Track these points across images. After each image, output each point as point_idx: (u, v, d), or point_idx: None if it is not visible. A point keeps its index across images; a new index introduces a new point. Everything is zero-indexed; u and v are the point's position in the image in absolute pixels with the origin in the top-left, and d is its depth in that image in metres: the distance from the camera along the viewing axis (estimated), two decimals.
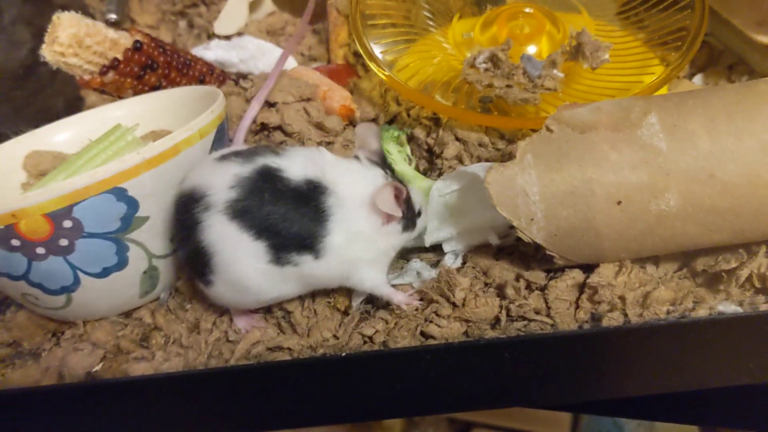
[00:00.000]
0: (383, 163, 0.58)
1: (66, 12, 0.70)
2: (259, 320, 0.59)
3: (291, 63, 0.85)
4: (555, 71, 0.68)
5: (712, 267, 0.56)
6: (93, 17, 0.91)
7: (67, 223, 0.53)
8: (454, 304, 0.54)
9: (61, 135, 0.73)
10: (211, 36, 0.93)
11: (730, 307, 0.54)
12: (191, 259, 0.55)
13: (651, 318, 0.53)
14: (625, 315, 0.54)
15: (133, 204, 0.55)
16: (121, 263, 0.57)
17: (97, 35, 0.70)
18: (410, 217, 0.56)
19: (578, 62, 0.70)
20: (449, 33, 0.78)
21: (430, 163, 0.69)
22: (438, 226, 0.57)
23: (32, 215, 0.52)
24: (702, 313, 0.54)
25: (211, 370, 0.54)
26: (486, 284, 0.56)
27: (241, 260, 0.52)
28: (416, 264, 0.58)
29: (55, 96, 0.89)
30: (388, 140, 0.66)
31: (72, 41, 0.69)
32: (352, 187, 0.54)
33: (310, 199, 0.52)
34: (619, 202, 0.49)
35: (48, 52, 0.69)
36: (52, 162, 0.71)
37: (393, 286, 0.57)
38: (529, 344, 0.52)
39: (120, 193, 0.54)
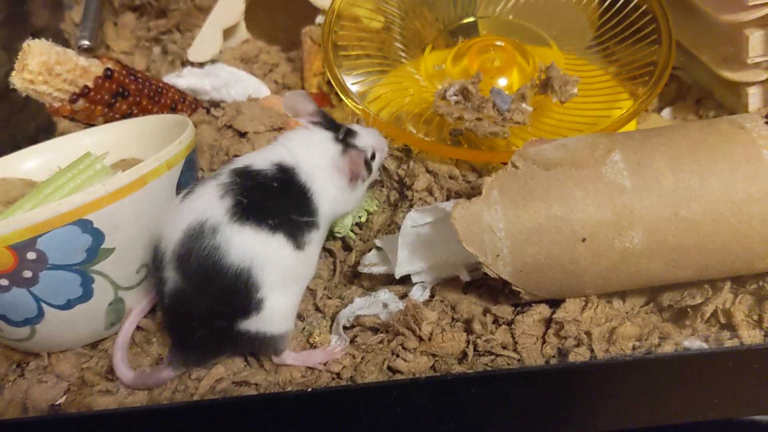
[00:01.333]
0: (326, 119, 0.60)
1: (36, 39, 0.69)
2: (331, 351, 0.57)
3: (264, 91, 0.85)
4: (524, 105, 0.68)
5: (678, 302, 0.56)
6: (68, 43, 0.91)
7: (31, 255, 0.52)
8: (420, 338, 0.54)
9: (30, 162, 0.72)
10: (185, 63, 0.93)
11: (695, 343, 0.54)
12: (226, 299, 0.52)
13: (617, 353, 0.53)
14: (592, 350, 0.54)
15: (98, 236, 0.55)
16: (86, 295, 0.57)
17: (68, 63, 0.70)
18: (368, 168, 0.61)
19: (547, 96, 0.71)
20: (421, 64, 0.79)
21: (401, 194, 0.69)
22: (409, 258, 0.57)
23: None
24: (668, 348, 0.54)
25: (174, 404, 0.54)
26: (453, 318, 0.56)
27: (277, 254, 0.53)
28: (384, 295, 0.58)
29: (28, 120, 0.89)
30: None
31: (42, 69, 0.68)
32: (312, 159, 0.56)
33: (289, 180, 0.55)
34: (583, 240, 0.50)
35: (17, 80, 0.69)
36: (21, 189, 0.71)
37: (359, 316, 0.57)
38: (496, 379, 0.52)
39: (85, 225, 0.53)
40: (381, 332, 0.56)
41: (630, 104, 0.70)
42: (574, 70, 0.75)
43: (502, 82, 0.77)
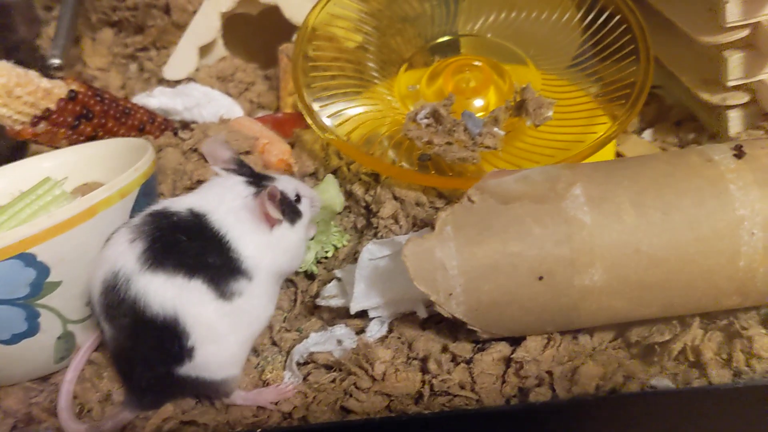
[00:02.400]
0: (241, 166, 0.57)
1: None
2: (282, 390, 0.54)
3: (237, 112, 0.83)
4: (496, 129, 0.66)
5: (646, 338, 0.54)
6: (43, 58, 0.89)
7: None
8: (374, 378, 0.52)
9: None
10: (161, 80, 0.92)
11: (662, 382, 0.52)
12: (158, 347, 0.50)
13: (580, 393, 0.51)
14: (553, 390, 0.51)
15: (43, 269, 0.53)
16: (32, 330, 0.55)
17: (29, 85, 0.68)
18: (290, 211, 0.56)
19: (522, 119, 0.69)
20: (395, 85, 0.77)
21: (368, 221, 0.67)
22: (365, 292, 0.55)
23: None
24: (633, 387, 0.52)
25: None
26: (409, 357, 0.54)
27: (198, 303, 0.50)
28: (339, 331, 0.56)
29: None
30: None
31: (1, 91, 0.67)
32: (223, 203, 0.53)
33: (200, 226, 0.52)
34: (541, 277, 0.48)
35: None
36: None
37: (312, 353, 0.55)
38: (453, 420, 0.50)
39: (28, 259, 0.51)
40: (334, 370, 0.54)
41: (608, 126, 0.68)
42: (551, 91, 0.73)
43: (477, 103, 0.75)
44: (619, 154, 0.74)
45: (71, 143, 0.73)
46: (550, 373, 0.52)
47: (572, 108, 0.73)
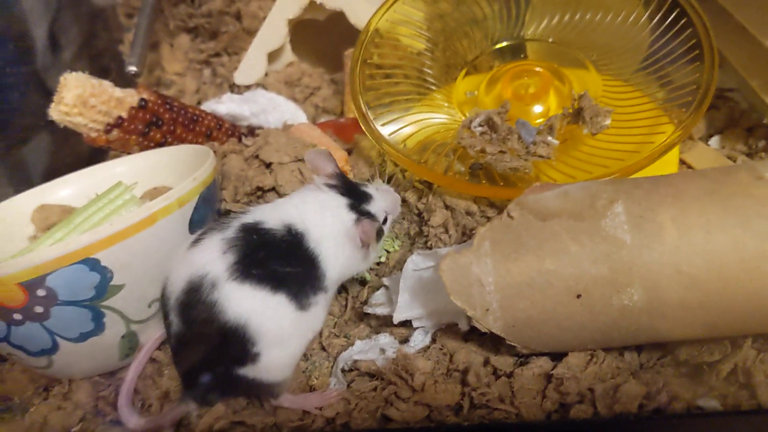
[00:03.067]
0: (342, 182, 0.59)
1: (73, 73, 0.72)
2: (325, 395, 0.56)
3: (301, 117, 0.85)
4: (550, 138, 0.66)
5: (695, 358, 0.53)
6: (123, 67, 0.94)
7: (41, 292, 0.55)
8: (413, 389, 0.53)
9: (67, 189, 0.75)
10: (232, 86, 0.95)
11: (710, 403, 0.51)
12: (224, 349, 0.53)
13: (622, 411, 0.50)
14: (595, 407, 0.51)
15: (106, 273, 0.56)
16: (98, 329, 0.59)
17: (103, 95, 0.72)
18: (380, 232, 0.59)
19: (579, 126, 0.68)
20: (453, 92, 0.77)
21: (420, 228, 0.68)
22: (409, 302, 0.56)
23: (7, 284, 0.54)
24: (678, 408, 0.51)
25: None
26: (449, 369, 0.54)
27: (277, 314, 0.52)
28: (384, 339, 0.57)
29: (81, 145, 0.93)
30: None
31: (77, 101, 0.71)
32: (324, 226, 0.56)
33: (297, 245, 0.54)
34: (578, 296, 0.47)
35: (54, 112, 0.72)
36: (60, 215, 0.74)
37: (356, 360, 0.56)
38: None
39: (92, 264, 0.55)
40: (376, 379, 0.55)
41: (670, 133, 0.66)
42: (613, 96, 0.72)
43: (537, 109, 0.74)
44: (683, 163, 0.72)
45: (142, 149, 0.77)
46: (591, 390, 0.51)
47: (634, 115, 0.71)
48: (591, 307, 0.47)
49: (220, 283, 0.50)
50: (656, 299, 0.47)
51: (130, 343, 0.62)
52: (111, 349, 0.61)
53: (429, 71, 0.78)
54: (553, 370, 0.52)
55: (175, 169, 0.74)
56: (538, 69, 0.75)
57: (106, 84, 0.74)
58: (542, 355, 0.53)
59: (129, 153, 0.77)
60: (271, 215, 0.55)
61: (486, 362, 0.54)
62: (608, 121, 0.66)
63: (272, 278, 0.51)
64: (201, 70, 1.00)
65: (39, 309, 0.56)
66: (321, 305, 0.56)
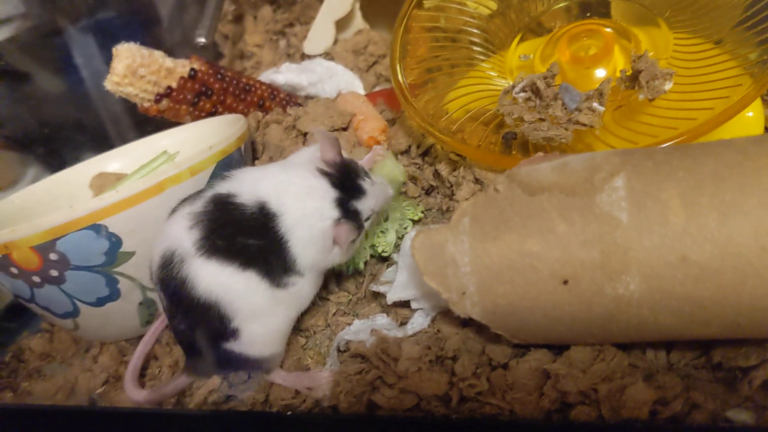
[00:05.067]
0: (339, 173, 0.53)
1: (125, 44, 0.73)
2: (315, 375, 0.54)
3: (357, 86, 0.83)
4: (595, 104, 0.58)
5: (729, 361, 0.45)
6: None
7: (53, 256, 0.56)
8: (398, 374, 0.49)
9: (120, 160, 0.78)
10: (303, 57, 0.94)
11: (740, 416, 0.43)
12: (203, 324, 0.52)
13: (630, 417, 0.44)
14: (600, 411, 0.45)
15: (115, 240, 0.57)
16: (114, 295, 0.60)
17: (153, 65, 0.73)
18: (360, 231, 0.54)
19: (636, 91, 0.60)
20: (506, 59, 0.70)
21: (451, 202, 0.63)
22: (406, 282, 0.52)
23: (21, 247, 0.55)
24: (700, 418, 0.43)
25: (159, 411, 0.55)
26: (438, 356, 0.50)
27: (249, 290, 0.50)
28: (381, 320, 0.54)
29: None
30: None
31: (127, 72, 0.72)
32: (303, 215, 0.51)
33: (266, 226, 0.50)
34: (565, 282, 0.41)
35: (108, 83, 0.74)
36: (114, 182, 0.76)
37: (348, 341, 0.53)
38: (482, 430, 0.46)
39: (101, 230, 0.56)
40: (364, 362, 0.51)
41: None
42: (684, 55, 0.62)
43: (600, 73, 0.66)
44: None
45: (194, 119, 0.78)
46: (596, 390, 0.45)
47: (711, 75, 0.61)
48: (580, 296, 0.41)
49: (188, 258, 0.49)
50: (657, 291, 0.40)
51: (149, 310, 0.62)
52: (130, 315, 0.62)
53: (477, 39, 0.72)
54: (552, 364, 0.46)
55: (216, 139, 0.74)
56: (599, 28, 0.67)
57: (158, 54, 0.75)
58: (541, 347, 0.47)
59: (179, 123, 0.78)
60: (247, 188, 0.52)
61: (483, 351, 0.49)
62: (668, 85, 0.58)
63: (240, 255, 0.49)
64: (277, 41, 0.99)
65: (54, 272, 0.57)
66: (302, 285, 0.53)
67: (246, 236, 0.50)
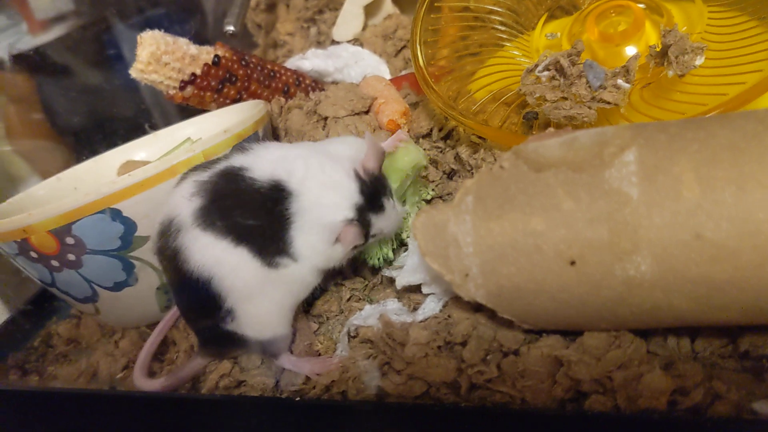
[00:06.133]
0: (370, 181, 0.51)
1: (149, 31, 0.73)
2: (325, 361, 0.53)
3: (383, 71, 0.81)
4: (620, 81, 0.56)
5: (757, 350, 0.42)
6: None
7: (70, 240, 0.56)
8: (405, 360, 0.47)
9: (147, 148, 0.78)
10: (333, 43, 0.93)
11: (765, 408, 0.40)
12: (196, 299, 0.51)
13: (648, 408, 0.41)
14: (615, 400, 0.42)
15: (129, 224, 0.57)
16: (131, 279, 0.60)
17: (177, 52, 0.73)
18: (364, 240, 0.51)
19: (665, 67, 0.57)
20: (531, 39, 0.68)
21: None
22: (416, 266, 0.50)
23: (39, 231, 0.56)
24: (723, 410, 0.40)
25: (170, 395, 0.55)
26: (447, 342, 0.48)
27: (240, 268, 0.49)
28: (391, 305, 0.52)
29: None
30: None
31: (151, 59, 0.72)
32: (318, 203, 0.49)
33: (272, 204, 0.49)
34: (572, 263, 0.39)
35: (133, 70, 0.74)
36: None
37: (358, 326, 0.51)
38: (491, 418, 0.44)
39: (114, 214, 0.56)
40: (372, 347, 0.50)
41: None
42: (717, 28, 0.59)
43: (630, 51, 0.63)
44: None
45: (219, 106, 0.77)
46: (611, 378, 0.43)
47: (746, 48, 0.57)
48: (589, 277, 0.39)
49: (185, 228, 0.48)
50: (670, 271, 0.37)
51: (168, 296, 0.62)
52: (149, 300, 0.62)
53: (505, 19, 0.70)
54: (564, 350, 0.44)
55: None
56: (629, 3, 0.64)
57: (182, 41, 0.75)
58: (554, 333, 0.45)
59: (204, 110, 0.78)
60: (264, 164, 0.50)
61: (494, 338, 0.47)
62: (699, 60, 0.55)
63: (235, 230, 0.48)
64: (308, 28, 0.99)
65: (71, 257, 0.57)
66: (294, 271, 0.51)
67: (245, 211, 0.48)
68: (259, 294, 0.50)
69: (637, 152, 0.38)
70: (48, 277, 0.60)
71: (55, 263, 0.58)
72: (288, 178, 0.49)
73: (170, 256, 0.49)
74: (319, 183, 0.49)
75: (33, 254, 0.58)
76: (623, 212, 0.37)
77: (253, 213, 0.48)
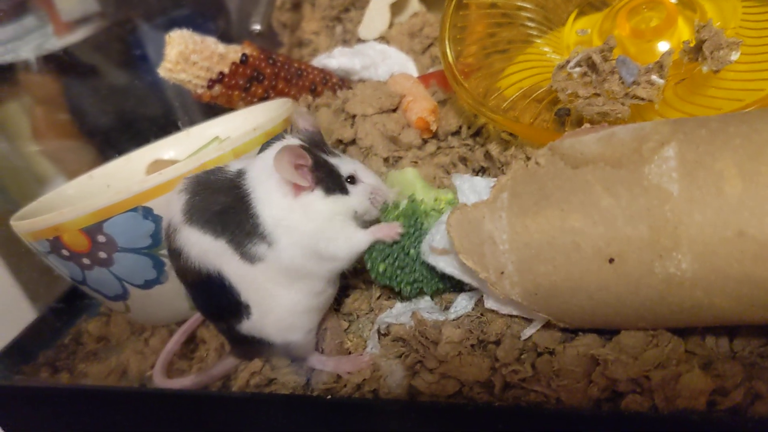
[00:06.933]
0: (312, 141, 0.51)
1: (177, 30, 0.74)
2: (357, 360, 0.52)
3: (411, 68, 0.81)
4: (654, 77, 0.55)
5: None
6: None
7: (101, 238, 0.57)
8: (438, 359, 0.47)
9: (175, 147, 0.78)
10: (358, 41, 0.92)
11: None
12: (208, 299, 0.52)
13: (686, 408, 0.41)
14: (653, 400, 0.42)
15: (160, 222, 0.57)
16: (161, 277, 0.60)
17: (205, 51, 0.73)
18: (330, 180, 0.49)
19: (699, 62, 0.56)
20: (562, 35, 0.67)
21: None
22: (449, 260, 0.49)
23: (70, 230, 0.56)
24: (762, 410, 0.40)
25: (206, 393, 0.55)
26: (480, 340, 0.47)
27: (227, 262, 0.49)
28: (423, 304, 0.52)
29: None
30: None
31: (179, 58, 0.73)
32: (261, 162, 0.49)
33: (236, 185, 0.49)
34: (611, 261, 0.38)
35: (162, 69, 0.74)
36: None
37: (390, 324, 0.51)
38: (525, 418, 0.44)
39: (145, 212, 0.56)
40: (404, 345, 0.50)
41: None
42: (753, 23, 0.58)
43: (662, 46, 0.62)
44: None
45: (246, 105, 0.77)
46: (648, 378, 0.42)
47: None
48: (627, 276, 0.38)
49: (179, 227, 0.49)
50: (711, 270, 0.36)
51: None
52: (178, 298, 0.62)
53: (534, 15, 0.69)
54: (601, 349, 0.43)
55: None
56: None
57: (210, 40, 0.75)
58: (590, 332, 0.44)
59: (232, 109, 0.78)
60: (242, 161, 0.52)
61: (528, 336, 0.47)
62: (735, 56, 0.54)
63: (212, 221, 0.48)
64: (333, 27, 0.98)
65: (103, 254, 0.58)
66: (277, 266, 0.49)
67: (216, 198, 0.49)
68: (261, 293, 0.50)
69: (677, 147, 0.38)
70: (79, 275, 0.60)
71: (86, 261, 0.58)
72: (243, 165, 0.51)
73: (177, 257, 0.50)
74: (261, 156, 0.51)
75: (65, 252, 0.58)
76: (663, 209, 0.37)
77: (220, 201, 0.49)
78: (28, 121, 1.11)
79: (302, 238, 0.48)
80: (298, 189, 0.48)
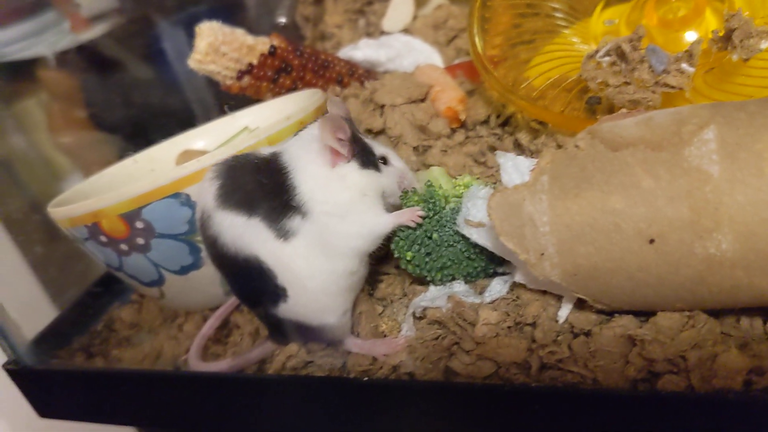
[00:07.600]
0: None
1: (207, 22, 0.75)
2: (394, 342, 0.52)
3: (436, 60, 0.82)
4: (684, 65, 0.55)
5: None
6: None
7: (140, 224, 0.58)
8: (475, 340, 0.48)
9: (204, 138, 0.79)
10: (382, 34, 0.93)
11: None
12: (246, 283, 0.53)
13: (723, 388, 0.41)
14: (689, 380, 0.42)
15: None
16: (197, 263, 0.61)
17: (234, 42, 0.74)
18: (365, 155, 0.52)
19: (729, 51, 0.57)
20: (589, 26, 0.68)
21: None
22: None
23: (109, 215, 0.57)
24: None
25: (242, 376, 0.56)
26: (517, 322, 0.48)
27: (260, 242, 0.50)
28: (458, 287, 0.52)
29: None
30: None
31: (209, 50, 0.74)
32: (298, 139, 0.53)
33: (270, 164, 0.51)
34: (651, 241, 0.39)
35: (191, 61, 0.75)
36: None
37: (426, 308, 0.52)
38: (562, 398, 0.45)
39: (183, 198, 0.57)
40: (440, 328, 0.51)
41: None
42: None
43: (690, 36, 0.63)
44: None
45: (274, 96, 0.78)
46: (684, 358, 0.43)
47: None
48: (668, 256, 0.39)
49: (213, 213, 0.50)
50: (752, 250, 0.37)
51: None
52: (213, 284, 0.63)
53: (560, 6, 0.70)
54: (638, 330, 0.44)
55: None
56: None
57: (239, 32, 0.76)
58: (627, 314, 0.45)
59: (261, 100, 0.79)
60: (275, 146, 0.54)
61: (565, 318, 0.47)
62: (765, 44, 0.55)
63: (245, 201, 0.50)
64: (356, 20, 0.99)
65: (141, 240, 0.59)
66: (311, 240, 0.50)
67: (252, 179, 0.50)
68: (297, 273, 0.50)
69: (717, 130, 0.38)
70: (116, 261, 0.62)
71: (124, 247, 0.60)
72: (278, 149, 0.53)
73: (212, 244, 0.51)
74: (296, 139, 0.53)
75: (103, 238, 0.59)
76: (704, 190, 0.38)
77: (255, 179, 0.50)
78: (45, 117, 1.12)
79: (335, 208, 0.50)
80: (336, 158, 0.50)
